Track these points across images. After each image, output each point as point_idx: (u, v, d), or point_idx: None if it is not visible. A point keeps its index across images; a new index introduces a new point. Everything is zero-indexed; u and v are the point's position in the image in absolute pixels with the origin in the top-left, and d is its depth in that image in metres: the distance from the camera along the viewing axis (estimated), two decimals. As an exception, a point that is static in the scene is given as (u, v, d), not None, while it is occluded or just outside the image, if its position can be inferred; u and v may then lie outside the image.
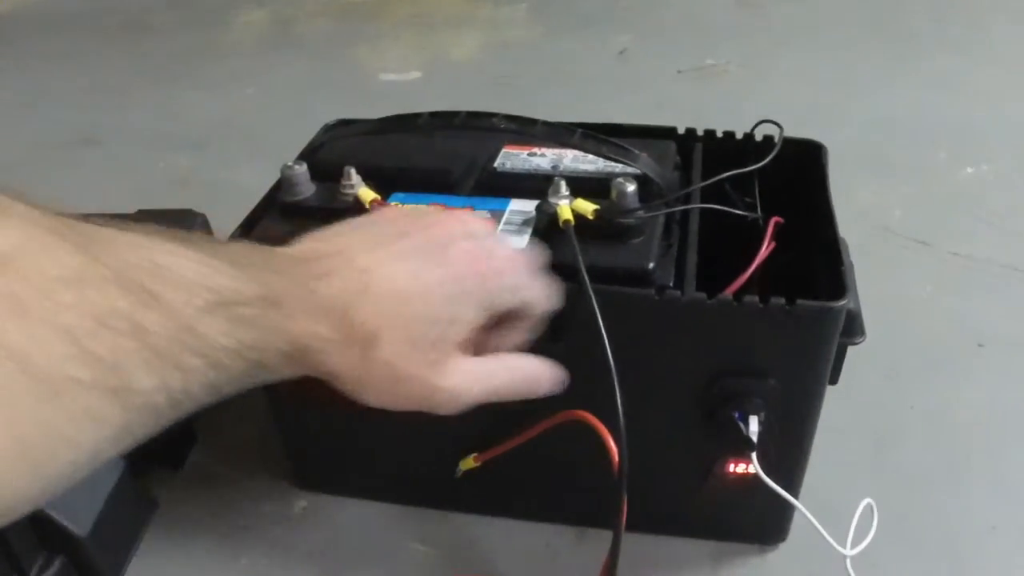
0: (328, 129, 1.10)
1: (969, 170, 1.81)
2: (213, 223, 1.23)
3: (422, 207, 0.91)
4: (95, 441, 0.49)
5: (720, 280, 0.86)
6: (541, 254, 0.80)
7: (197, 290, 0.54)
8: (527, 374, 0.77)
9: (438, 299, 0.68)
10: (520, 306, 0.75)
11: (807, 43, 2.50)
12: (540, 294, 0.77)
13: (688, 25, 2.66)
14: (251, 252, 0.63)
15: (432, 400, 0.69)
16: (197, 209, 1.24)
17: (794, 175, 1.03)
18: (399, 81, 2.35)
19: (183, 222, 1.20)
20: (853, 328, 0.85)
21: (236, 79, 2.43)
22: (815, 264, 0.92)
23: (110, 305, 0.48)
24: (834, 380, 0.88)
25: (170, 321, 0.51)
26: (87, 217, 0.53)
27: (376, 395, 0.67)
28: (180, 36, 2.79)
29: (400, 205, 0.92)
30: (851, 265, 0.92)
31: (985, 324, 1.38)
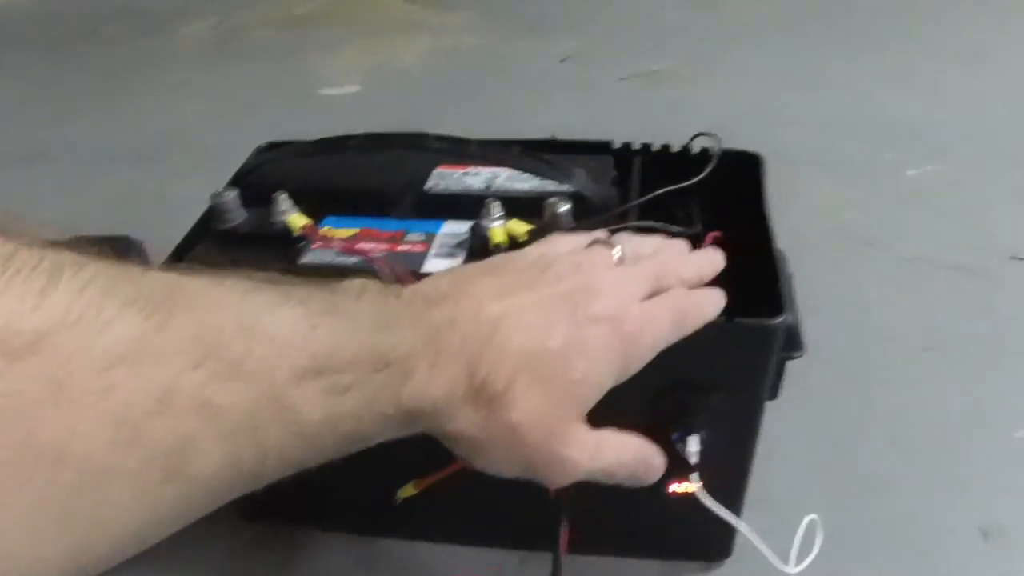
0: (260, 151, 1.08)
1: (916, 170, 1.81)
2: (157, 241, 1.20)
3: (557, 252, 0.77)
4: (141, 523, 0.44)
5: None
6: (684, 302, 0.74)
7: (289, 356, 0.49)
8: (638, 456, 0.71)
9: (576, 358, 0.62)
10: None
11: (759, 41, 2.50)
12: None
13: (637, 28, 2.66)
14: (364, 301, 0.57)
15: (548, 471, 0.63)
16: (142, 225, 1.21)
17: (734, 186, 1.02)
18: (340, 95, 2.33)
19: (120, 250, 1.18)
20: (792, 343, 0.84)
21: (182, 91, 2.41)
22: (756, 277, 0.91)
23: (172, 381, 0.43)
24: (773, 395, 0.87)
25: (250, 394, 0.46)
26: (179, 268, 0.49)
27: (491, 460, 0.62)
28: (127, 46, 2.77)
29: (530, 249, 0.86)
30: (790, 277, 0.91)
31: (934, 326, 1.38)
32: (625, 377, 0.67)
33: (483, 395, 0.59)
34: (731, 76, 2.27)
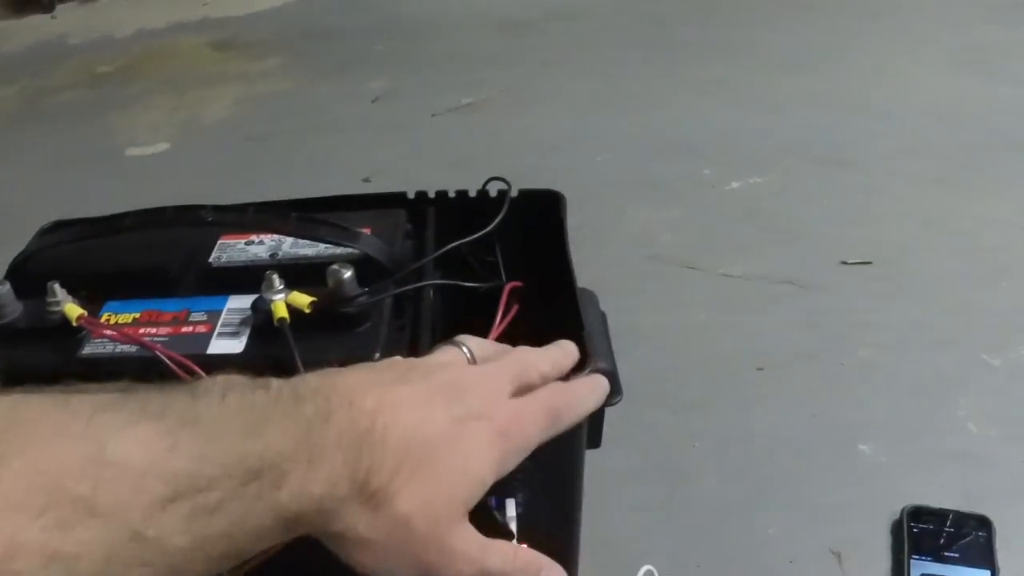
0: (43, 233, 1.02)
1: (736, 184, 1.82)
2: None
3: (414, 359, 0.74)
4: None
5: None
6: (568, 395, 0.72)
7: (145, 484, 0.45)
8: (529, 567, 0.67)
9: (457, 452, 0.60)
10: None
11: (572, 63, 2.51)
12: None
13: (448, 62, 2.65)
14: (229, 402, 0.53)
15: (439, 566, 0.60)
16: None
17: (536, 227, 1.00)
18: (147, 155, 2.27)
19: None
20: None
21: (-16, 158, 2.32)
22: (561, 324, 0.88)
23: (12, 537, 0.39)
24: (595, 444, 0.85)
25: (106, 535, 0.42)
26: (18, 390, 0.46)
27: (380, 559, 0.58)
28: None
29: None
30: (603, 317, 0.89)
31: (763, 344, 1.38)
32: (503, 473, 0.64)
33: (367, 490, 0.56)
34: (543, 103, 2.27)
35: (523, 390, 0.69)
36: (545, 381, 0.71)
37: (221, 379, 0.57)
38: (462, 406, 0.62)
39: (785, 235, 1.65)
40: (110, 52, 3.06)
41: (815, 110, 2.15)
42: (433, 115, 2.25)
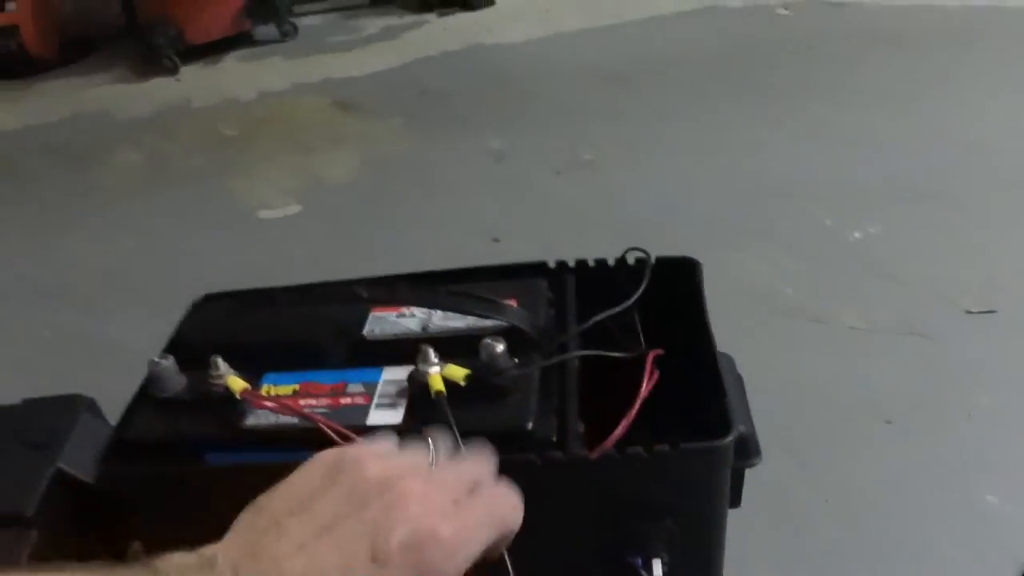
0: (196, 306, 1.07)
1: (856, 234, 1.82)
2: (103, 391, 1.18)
3: (365, 472, 0.69)
4: None
5: (611, 416, 0.84)
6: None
7: None
8: None
9: None
10: None
11: (679, 113, 2.54)
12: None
13: (562, 116, 2.68)
14: None
15: None
16: (84, 376, 1.20)
17: (673, 293, 1.02)
18: (278, 218, 2.33)
19: (69, 409, 1.16)
20: (747, 451, 0.84)
21: (117, 225, 2.40)
22: (702, 390, 0.90)
23: None
24: (736, 503, 0.87)
25: None
26: None
27: None
28: (56, 182, 2.77)
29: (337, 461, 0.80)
30: (739, 380, 0.91)
31: (891, 397, 1.38)
32: None
33: None
34: (658, 155, 2.30)
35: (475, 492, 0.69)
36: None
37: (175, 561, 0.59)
38: (391, 541, 0.61)
39: (907, 284, 1.65)
40: (235, 114, 3.15)
41: (918, 149, 2.14)
42: (557, 173, 2.28)
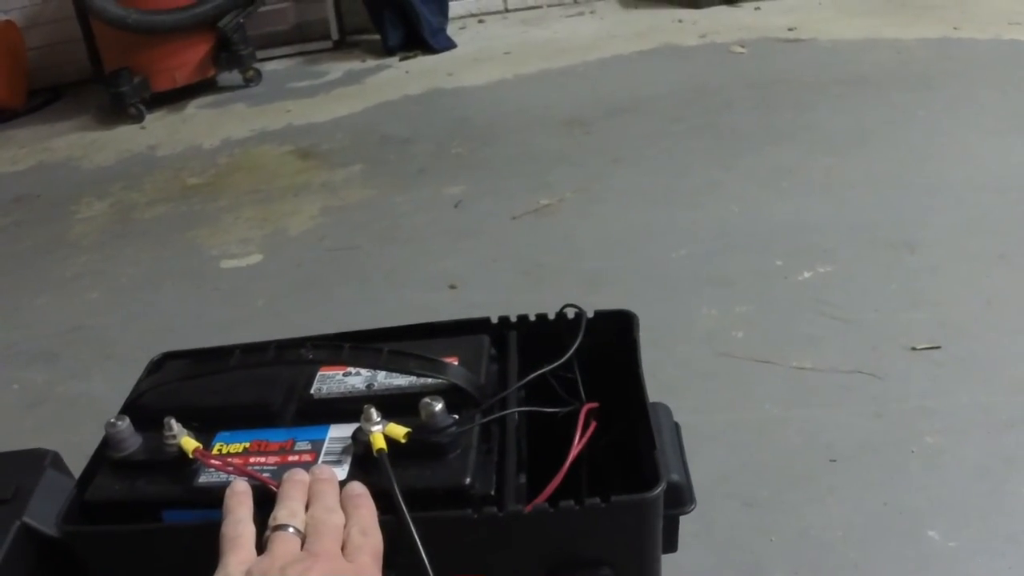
0: (152, 366, 1.10)
1: (807, 274, 1.86)
2: (69, 445, 1.21)
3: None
4: None
5: (555, 468, 0.88)
6: None
7: None
8: None
9: None
10: None
11: (636, 158, 2.58)
12: None
13: (522, 162, 2.72)
14: None
15: None
16: (53, 431, 1.21)
17: (612, 344, 1.06)
18: (240, 267, 2.36)
19: (34, 464, 1.18)
20: (681, 499, 0.88)
21: (82, 278, 2.42)
22: (635, 440, 0.94)
23: None
24: (671, 548, 0.90)
25: None
26: None
27: None
28: (22, 236, 2.79)
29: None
30: (676, 428, 0.94)
31: (836, 435, 1.41)
32: None
33: None
34: (614, 200, 2.34)
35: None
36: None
37: None
38: None
39: (854, 323, 1.69)
40: (198, 162, 3.19)
41: (874, 191, 2.19)
42: (513, 218, 2.32)
